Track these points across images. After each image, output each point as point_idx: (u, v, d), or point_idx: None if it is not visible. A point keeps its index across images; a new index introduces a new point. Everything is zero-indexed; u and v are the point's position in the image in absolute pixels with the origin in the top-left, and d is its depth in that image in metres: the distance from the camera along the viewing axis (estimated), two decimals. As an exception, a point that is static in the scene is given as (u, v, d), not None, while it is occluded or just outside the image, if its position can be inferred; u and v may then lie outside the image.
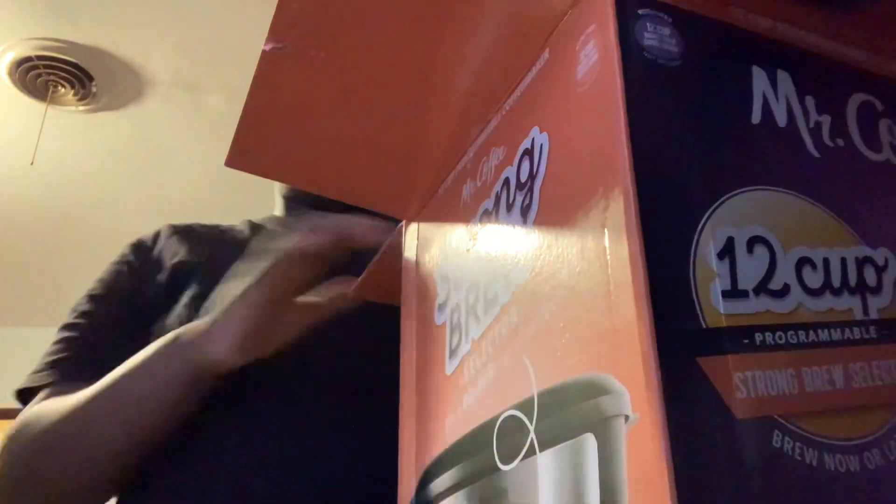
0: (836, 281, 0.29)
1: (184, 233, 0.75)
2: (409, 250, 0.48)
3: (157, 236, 0.75)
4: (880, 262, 0.31)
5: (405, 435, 0.43)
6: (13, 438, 0.61)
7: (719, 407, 0.25)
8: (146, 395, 0.56)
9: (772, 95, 0.32)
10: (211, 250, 0.71)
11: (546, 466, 0.29)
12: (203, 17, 1.73)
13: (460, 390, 0.37)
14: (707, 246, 0.27)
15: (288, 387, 0.62)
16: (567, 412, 0.29)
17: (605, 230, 0.28)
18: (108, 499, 0.62)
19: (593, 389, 0.27)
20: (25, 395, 0.66)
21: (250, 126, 0.42)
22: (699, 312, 0.26)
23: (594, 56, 0.32)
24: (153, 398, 0.56)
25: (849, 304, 0.29)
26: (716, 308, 0.26)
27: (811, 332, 0.28)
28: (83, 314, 0.69)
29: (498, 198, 0.38)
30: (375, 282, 0.53)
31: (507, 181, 0.37)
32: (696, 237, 0.27)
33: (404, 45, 0.39)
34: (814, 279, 0.29)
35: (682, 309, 0.26)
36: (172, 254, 0.72)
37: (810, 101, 0.33)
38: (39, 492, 0.59)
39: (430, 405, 0.41)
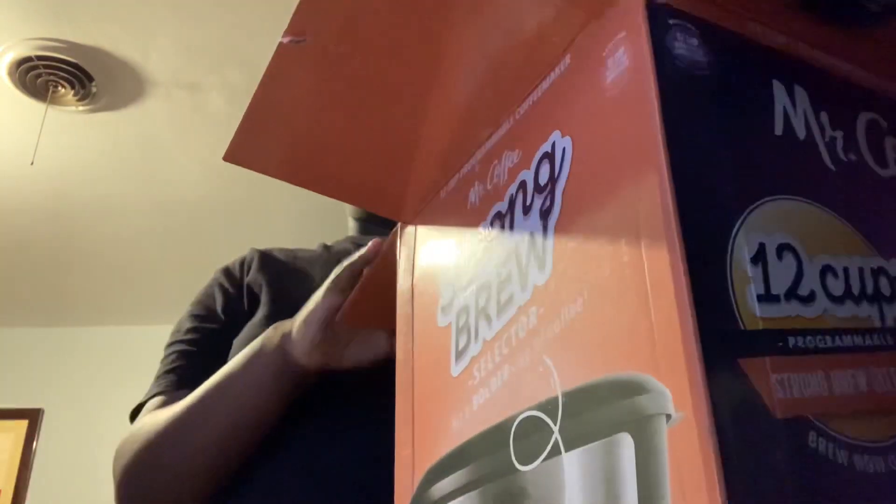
0: (855, 289, 0.30)
1: (261, 255, 0.81)
2: (406, 252, 0.48)
3: (242, 261, 0.81)
4: (893, 273, 0.32)
5: (401, 436, 0.43)
6: (120, 451, 0.66)
7: (760, 407, 0.25)
8: (240, 393, 0.62)
9: (791, 109, 0.33)
10: (279, 269, 0.78)
11: (573, 466, 0.29)
12: (203, 18, 1.74)
13: (469, 392, 0.37)
14: (742, 251, 0.28)
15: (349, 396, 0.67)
16: (598, 411, 0.29)
17: (642, 233, 0.29)
18: None
19: (629, 388, 0.28)
20: (137, 412, 0.72)
21: (255, 121, 0.42)
22: (737, 315, 0.27)
23: (625, 62, 0.32)
24: (246, 396, 0.62)
25: (868, 312, 0.30)
26: (752, 311, 0.27)
27: (836, 338, 0.29)
28: (189, 331, 0.74)
29: (512, 200, 0.38)
30: (360, 310, 0.55)
31: (523, 184, 0.37)
32: (731, 242, 0.28)
33: (413, 48, 0.39)
34: (836, 287, 0.30)
35: (721, 311, 0.26)
36: (248, 274, 0.79)
37: (824, 117, 0.34)
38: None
39: (432, 406, 0.41)
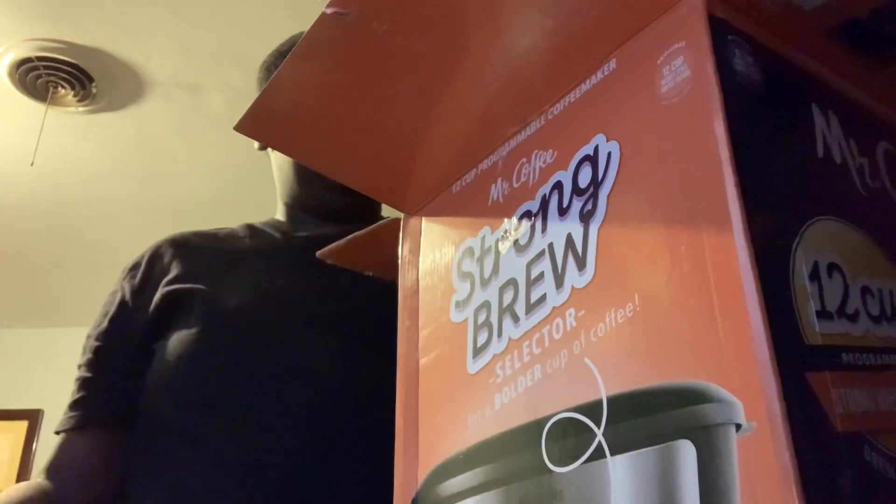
0: (888, 310, 0.32)
1: (180, 247, 0.75)
2: (410, 244, 0.47)
3: (152, 256, 0.76)
4: (915, 297, 0.33)
5: (403, 431, 0.42)
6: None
7: (825, 420, 0.26)
8: None
9: (828, 133, 0.34)
10: (208, 266, 0.73)
11: (622, 471, 0.29)
12: (203, 18, 1.76)
13: (490, 390, 0.37)
14: (801, 267, 0.29)
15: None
16: (652, 418, 0.29)
17: (706, 244, 0.29)
18: None
19: (691, 396, 0.28)
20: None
21: (276, 92, 0.40)
22: (801, 329, 0.27)
23: (685, 72, 0.32)
24: None
25: (899, 333, 0.32)
26: (812, 326, 0.28)
27: (879, 356, 0.30)
28: (92, 351, 0.72)
29: (545, 200, 0.38)
30: (355, 251, 0.54)
31: (558, 185, 0.37)
32: (792, 258, 0.29)
33: (448, 37, 0.38)
34: (874, 307, 0.31)
35: (788, 325, 0.27)
36: (167, 274, 0.73)
37: (853, 144, 0.36)
38: None
39: (442, 402, 0.40)
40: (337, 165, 0.47)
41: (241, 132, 0.42)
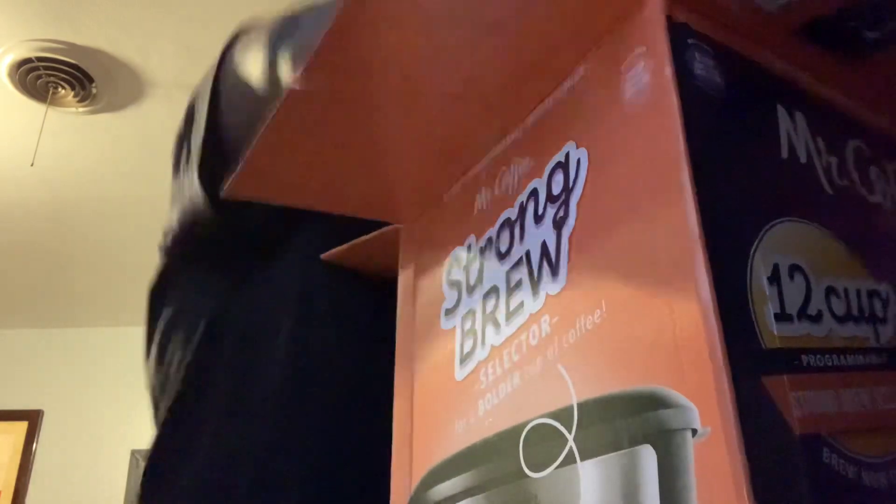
0: (854, 310, 0.32)
1: None
2: (407, 253, 0.48)
3: None
4: (884, 296, 0.34)
5: (399, 437, 0.43)
6: None
7: (781, 424, 0.27)
8: None
9: (793, 133, 0.35)
10: None
11: (590, 475, 0.30)
12: (203, 19, 1.78)
13: (474, 396, 0.38)
14: (759, 270, 0.29)
15: None
16: (617, 423, 0.30)
17: (664, 249, 0.30)
18: None
19: (651, 402, 0.29)
20: None
21: (260, 157, 0.41)
22: (758, 333, 0.28)
23: (645, 78, 0.33)
24: None
25: (866, 333, 0.32)
26: (770, 330, 0.28)
27: (842, 357, 0.30)
28: None
29: (523, 208, 0.38)
30: (358, 255, 0.55)
31: (534, 192, 0.38)
32: (749, 262, 0.29)
33: (426, 66, 0.39)
34: (839, 307, 0.31)
35: (744, 330, 0.28)
36: None
37: (821, 142, 0.36)
38: None
39: (433, 408, 0.41)
40: (333, 201, 0.48)
41: (230, 197, 0.44)
